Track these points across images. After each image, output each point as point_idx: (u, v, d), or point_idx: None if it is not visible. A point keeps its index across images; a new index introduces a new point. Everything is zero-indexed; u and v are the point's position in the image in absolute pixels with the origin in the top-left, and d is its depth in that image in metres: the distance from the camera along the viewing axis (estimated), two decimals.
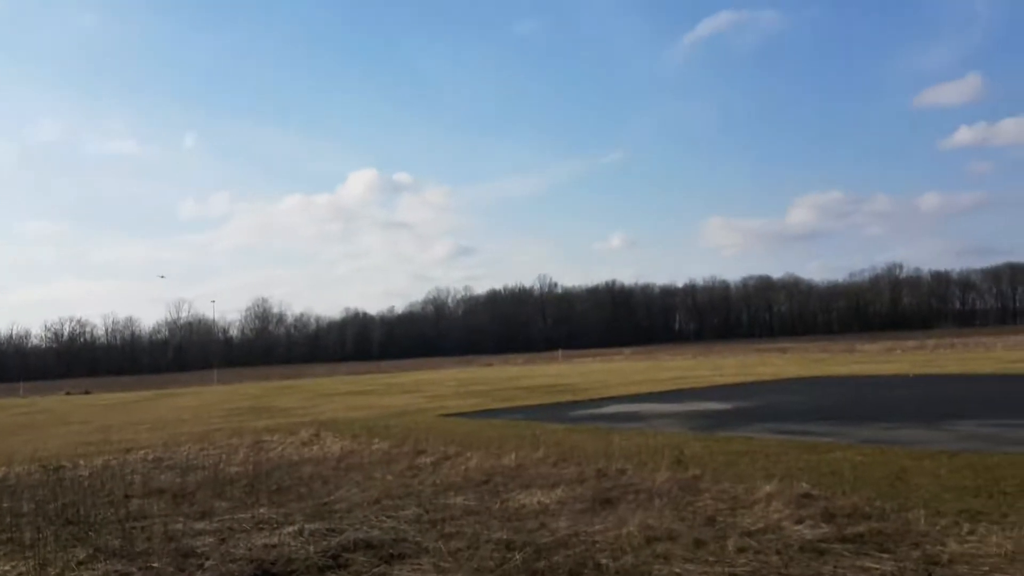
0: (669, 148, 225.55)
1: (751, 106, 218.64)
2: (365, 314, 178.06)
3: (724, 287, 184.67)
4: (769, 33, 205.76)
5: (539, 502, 8.46)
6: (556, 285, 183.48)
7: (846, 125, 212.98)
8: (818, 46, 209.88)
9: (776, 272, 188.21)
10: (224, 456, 14.04)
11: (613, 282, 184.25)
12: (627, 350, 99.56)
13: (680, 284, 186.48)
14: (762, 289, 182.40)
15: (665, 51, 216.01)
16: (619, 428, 15.77)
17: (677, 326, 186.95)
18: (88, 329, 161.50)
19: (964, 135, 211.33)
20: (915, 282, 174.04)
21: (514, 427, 16.81)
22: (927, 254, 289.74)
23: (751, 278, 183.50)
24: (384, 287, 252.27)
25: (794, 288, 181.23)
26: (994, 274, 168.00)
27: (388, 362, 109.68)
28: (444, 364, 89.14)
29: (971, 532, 6.54)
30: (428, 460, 11.74)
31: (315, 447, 14.34)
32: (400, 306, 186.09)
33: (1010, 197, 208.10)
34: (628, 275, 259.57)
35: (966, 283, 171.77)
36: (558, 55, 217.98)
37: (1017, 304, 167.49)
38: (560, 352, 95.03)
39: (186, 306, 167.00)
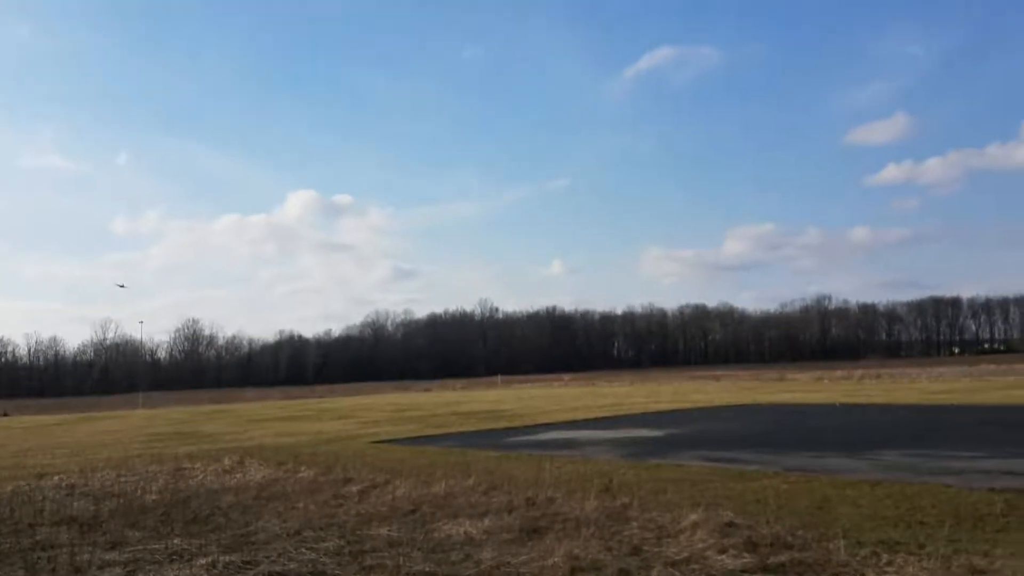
0: (610, 178, 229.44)
1: (689, 139, 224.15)
2: (300, 337, 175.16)
3: (661, 315, 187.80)
4: (707, 69, 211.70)
5: (466, 532, 8.30)
6: (497, 310, 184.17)
7: (779, 159, 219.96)
8: (754, 82, 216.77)
9: (711, 301, 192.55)
10: (141, 483, 13.50)
11: (554, 308, 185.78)
12: (566, 376, 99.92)
13: (619, 311, 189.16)
14: (698, 318, 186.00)
15: (607, 82, 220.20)
16: (553, 455, 15.70)
17: (616, 352, 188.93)
18: (9, 348, 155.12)
19: (892, 172, 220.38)
20: (843, 313, 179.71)
21: (447, 454, 16.60)
22: (855, 286, 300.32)
23: (687, 306, 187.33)
24: (321, 310, 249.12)
25: (728, 317, 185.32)
26: (919, 307, 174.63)
27: (323, 386, 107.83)
28: (381, 389, 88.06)
29: (889, 563, 6.62)
30: (355, 489, 11.45)
31: (238, 475, 13.88)
32: (337, 329, 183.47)
33: (934, 233, 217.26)
34: (568, 301, 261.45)
35: (892, 315, 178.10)
36: (503, 82, 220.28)
37: (940, 337, 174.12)
38: (499, 378, 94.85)
39: (113, 326, 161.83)
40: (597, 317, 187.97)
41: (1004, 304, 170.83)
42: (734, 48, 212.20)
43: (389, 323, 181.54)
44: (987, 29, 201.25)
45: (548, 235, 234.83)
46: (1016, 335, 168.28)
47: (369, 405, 44.97)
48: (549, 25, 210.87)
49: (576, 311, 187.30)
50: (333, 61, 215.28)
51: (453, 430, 23.83)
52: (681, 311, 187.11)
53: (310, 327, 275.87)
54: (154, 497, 11.86)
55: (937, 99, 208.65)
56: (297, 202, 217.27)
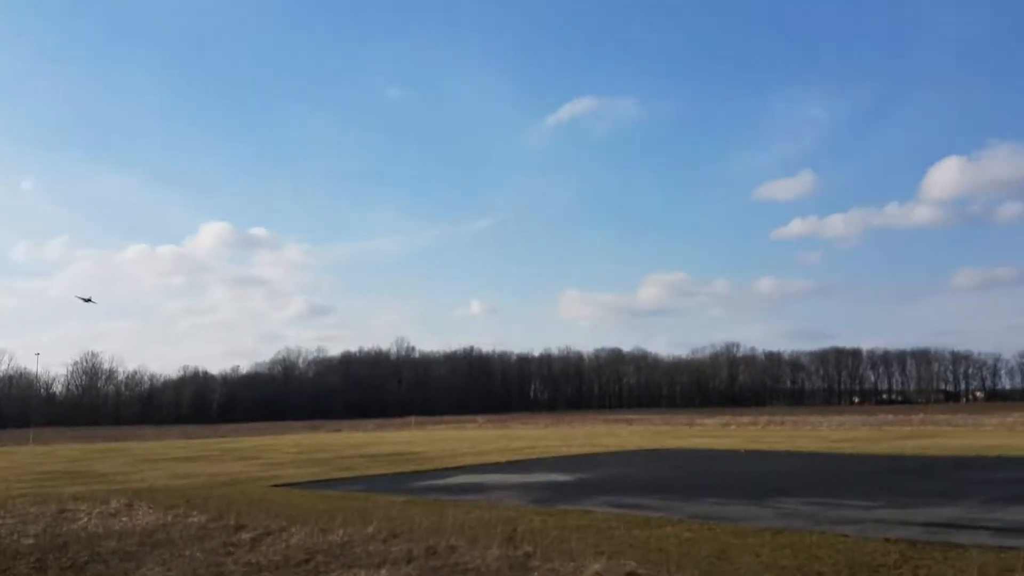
0: (532, 221, 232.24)
1: (608, 186, 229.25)
2: (206, 373, 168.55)
3: (578, 358, 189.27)
4: (626, 120, 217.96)
5: None
6: (413, 349, 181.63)
7: (693, 210, 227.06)
8: (670, 136, 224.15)
9: (627, 345, 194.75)
10: (19, 526, 12.64)
11: (471, 348, 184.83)
12: (480, 418, 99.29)
13: (537, 353, 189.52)
14: (613, 361, 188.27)
15: (530, 128, 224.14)
16: (459, 500, 15.37)
17: (532, 394, 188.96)
18: None
19: (796, 227, 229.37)
20: (751, 361, 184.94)
21: (350, 499, 16.06)
22: (762, 335, 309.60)
23: (603, 350, 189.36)
24: (229, 346, 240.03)
25: (642, 361, 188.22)
26: (821, 357, 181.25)
27: (228, 426, 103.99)
28: (290, 429, 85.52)
29: None
30: (247, 536, 10.89)
31: (124, 519, 13.07)
32: (246, 366, 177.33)
33: (836, 286, 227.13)
34: (487, 342, 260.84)
35: (796, 364, 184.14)
36: (426, 123, 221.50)
37: (842, 386, 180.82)
38: (413, 418, 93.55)
39: (6, 358, 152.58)
40: (514, 358, 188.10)
41: (901, 357, 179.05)
42: (651, 102, 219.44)
43: (301, 360, 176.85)
44: (887, 95, 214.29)
45: (468, 275, 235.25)
46: (912, 387, 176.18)
47: (274, 446, 43.48)
48: (475, 70, 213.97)
49: (494, 352, 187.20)
50: (254, 94, 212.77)
51: (359, 473, 23.17)
52: (597, 354, 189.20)
53: (217, 363, 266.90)
54: (30, 541, 11.10)
55: (840, 159, 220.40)
56: (210, 234, 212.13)
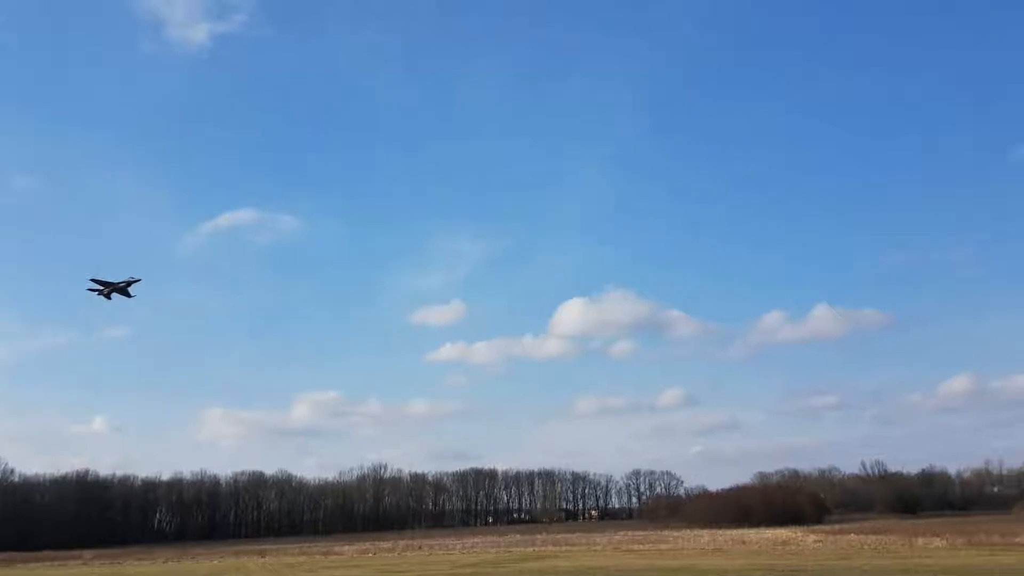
0: (175, 332, 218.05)
1: (264, 300, 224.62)
2: None
3: (214, 482, 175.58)
4: (288, 236, 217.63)
5: None
6: (12, 472, 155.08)
7: (350, 329, 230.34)
8: (331, 255, 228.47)
9: (273, 467, 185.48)
10: None
11: (86, 472, 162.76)
12: (89, 553, 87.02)
13: (166, 477, 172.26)
14: (254, 485, 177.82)
15: (181, 234, 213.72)
16: None
17: (157, 523, 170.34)
18: None
19: (447, 351, 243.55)
20: (396, 483, 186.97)
21: None
22: (413, 455, 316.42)
23: (243, 474, 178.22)
24: None
25: (286, 485, 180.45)
26: (462, 478, 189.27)
27: None
28: None
29: None
30: None
31: None
32: None
33: (480, 409, 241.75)
34: (108, 464, 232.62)
35: (439, 485, 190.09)
36: (59, 216, 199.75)
37: (479, 506, 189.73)
38: None
39: None
40: (139, 483, 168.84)
41: (530, 477, 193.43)
42: (315, 220, 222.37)
43: None
44: (527, 238, 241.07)
45: (92, 387, 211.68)
46: (539, 505, 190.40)
47: None
48: (120, 165, 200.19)
49: (114, 476, 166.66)
50: None
51: None
52: (236, 478, 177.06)
53: None
54: None
55: (486, 292, 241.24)
56: None
